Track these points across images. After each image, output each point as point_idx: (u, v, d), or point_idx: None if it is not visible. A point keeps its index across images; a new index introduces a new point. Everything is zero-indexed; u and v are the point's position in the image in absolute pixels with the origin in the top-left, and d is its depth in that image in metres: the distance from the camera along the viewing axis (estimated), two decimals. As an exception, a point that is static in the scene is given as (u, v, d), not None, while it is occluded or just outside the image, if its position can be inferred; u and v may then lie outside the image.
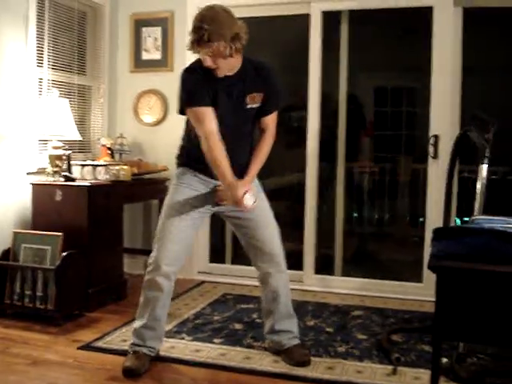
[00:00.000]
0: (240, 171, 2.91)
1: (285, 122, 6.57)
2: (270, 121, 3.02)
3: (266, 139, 3.02)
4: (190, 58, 4.84)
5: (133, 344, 3.05)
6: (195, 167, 2.99)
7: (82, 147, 4.87)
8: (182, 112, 2.95)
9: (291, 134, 5.89)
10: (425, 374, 2.88)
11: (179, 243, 2.98)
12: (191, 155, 3.00)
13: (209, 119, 2.80)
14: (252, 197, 2.81)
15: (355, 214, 7.02)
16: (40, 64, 4.28)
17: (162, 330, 3.09)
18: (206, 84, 2.82)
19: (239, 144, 2.97)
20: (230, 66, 2.81)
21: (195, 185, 3.00)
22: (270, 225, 3.11)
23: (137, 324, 3.06)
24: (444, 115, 4.30)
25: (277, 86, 3.00)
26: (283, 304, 3.15)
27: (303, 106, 4.83)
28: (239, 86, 2.88)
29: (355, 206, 6.99)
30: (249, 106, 2.92)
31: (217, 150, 2.80)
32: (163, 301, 3.01)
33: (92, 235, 3.92)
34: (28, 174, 4.16)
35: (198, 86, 2.82)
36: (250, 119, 2.98)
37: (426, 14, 4.31)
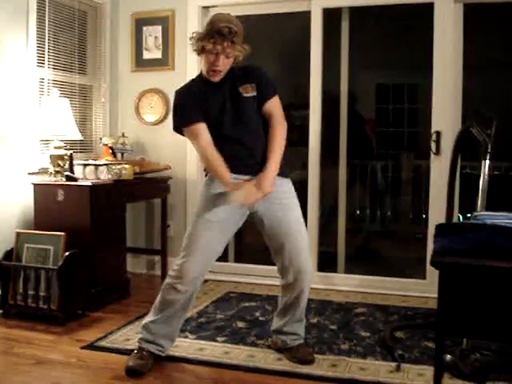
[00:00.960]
0: (258, 166, 2.90)
1: (286, 119, 6.58)
2: (272, 107, 2.96)
3: (274, 127, 2.95)
4: (191, 56, 4.88)
5: (141, 339, 3.04)
6: None
7: (84, 147, 4.87)
8: (176, 130, 3.00)
9: (292, 133, 5.89)
10: (428, 371, 2.88)
11: (206, 253, 2.96)
12: None
13: (203, 136, 2.89)
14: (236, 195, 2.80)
15: (358, 212, 7.03)
16: (41, 64, 4.29)
17: (175, 328, 3.09)
18: (198, 98, 2.90)
19: (250, 138, 2.92)
20: (226, 69, 2.89)
21: (222, 191, 2.95)
22: (300, 235, 3.03)
23: (148, 319, 3.05)
24: (446, 111, 4.29)
25: (265, 74, 3.01)
26: (300, 311, 3.14)
27: (304, 105, 4.83)
28: (229, 82, 2.92)
29: (358, 203, 7.00)
30: (245, 95, 2.92)
31: (212, 157, 2.88)
32: (183, 302, 3.00)
33: (94, 235, 3.92)
34: (30, 174, 4.16)
35: (188, 106, 2.91)
36: (252, 110, 2.95)
37: (426, 10, 4.30)
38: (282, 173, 2.97)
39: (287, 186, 3.05)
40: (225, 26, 2.74)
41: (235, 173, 2.91)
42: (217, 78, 2.88)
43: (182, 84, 3.07)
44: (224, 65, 2.83)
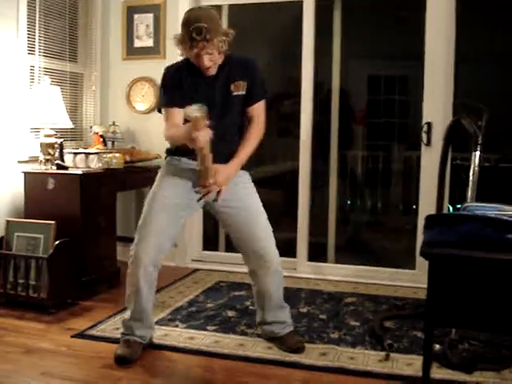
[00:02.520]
0: (227, 160, 2.90)
1: (277, 109, 6.58)
2: (256, 111, 2.99)
3: (252, 129, 2.99)
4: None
5: (123, 333, 3.06)
6: (179, 153, 2.97)
7: (75, 135, 4.85)
8: (159, 111, 3.03)
9: (283, 122, 5.88)
10: (417, 360, 2.89)
11: (160, 236, 2.92)
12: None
13: (174, 118, 2.90)
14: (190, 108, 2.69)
15: (348, 202, 7.04)
16: (31, 51, 4.26)
17: (149, 320, 3.07)
18: (186, 83, 2.90)
19: (227, 135, 2.94)
20: (218, 62, 2.88)
21: (181, 175, 2.96)
22: (260, 221, 3.05)
23: (126, 315, 3.06)
24: (437, 103, 4.30)
25: (260, 75, 3.02)
26: (274, 298, 3.13)
27: (295, 94, 4.83)
28: (222, 76, 2.91)
29: (348, 193, 7.01)
30: (234, 93, 2.94)
31: (174, 129, 2.86)
32: (145, 293, 2.96)
33: (85, 223, 3.91)
34: (20, 162, 4.14)
35: (175, 88, 2.91)
36: (238, 108, 2.97)
37: (418, 1, 4.30)
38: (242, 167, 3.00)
39: (245, 177, 3.07)
40: (195, 27, 2.69)
41: (191, 158, 2.90)
42: (211, 72, 2.87)
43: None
44: (211, 60, 2.81)
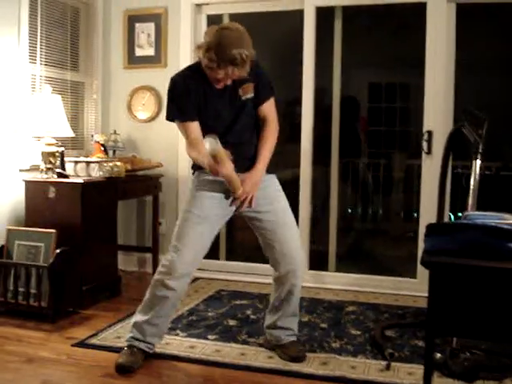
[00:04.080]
0: (248, 166, 2.92)
1: (286, 116, 6.60)
2: (267, 109, 3.00)
3: (266, 130, 2.99)
4: (184, 54, 4.88)
5: (132, 338, 3.04)
6: None
7: (76, 144, 4.86)
8: (169, 120, 2.99)
9: (290, 129, 5.88)
10: (418, 370, 2.89)
11: (196, 248, 2.96)
12: None
13: (193, 133, 2.90)
14: (207, 140, 2.73)
15: (350, 210, 7.04)
16: (33, 60, 4.27)
17: (165, 327, 3.09)
18: (194, 93, 2.88)
19: (243, 139, 2.95)
20: None
21: (212, 187, 2.97)
22: (288, 226, 3.06)
23: (139, 318, 3.04)
24: (438, 111, 4.31)
25: (264, 75, 3.02)
26: (293, 304, 3.14)
27: (295, 102, 4.84)
28: (229, 83, 2.89)
29: (350, 201, 7.01)
30: (244, 98, 2.94)
31: (199, 149, 2.86)
32: (174, 301, 2.99)
33: (86, 232, 3.91)
34: (21, 170, 4.14)
35: (185, 99, 2.88)
36: (249, 112, 2.97)
37: (419, 9, 4.31)
38: (267, 170, 3.01)
39: (272, 181, 3.08)
40: (237, 53, 2.66)
41: None
42: (220, 87, 2.87)
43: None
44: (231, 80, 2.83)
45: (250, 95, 2.95)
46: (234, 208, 2.97)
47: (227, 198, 2.93)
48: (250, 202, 2.89)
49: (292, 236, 3.07)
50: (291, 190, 5.34)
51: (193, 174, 3.11)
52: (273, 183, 3.09)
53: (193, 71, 2.94)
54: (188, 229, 2.95)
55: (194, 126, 2.90)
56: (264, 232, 3.06)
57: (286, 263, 3.04)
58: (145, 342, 3.01)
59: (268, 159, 2.99)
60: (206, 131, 2.88)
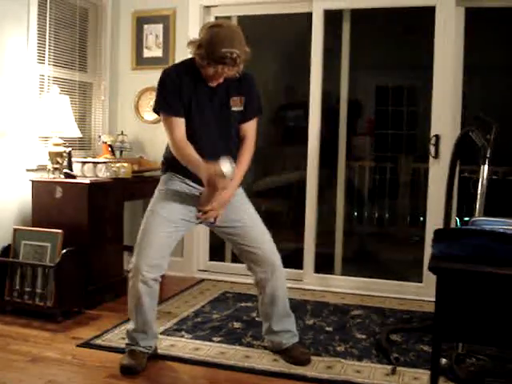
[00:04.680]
0: None
1: (282, 120, 6.61)
2: (250, 128, 3.01)
3: (244, 148, 2.99)
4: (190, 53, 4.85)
5: (127, 344, 3.05)
6: (183, 172, 2.93)
7: (83, 144, 4.87)
8: (156, 111, 2.98)
9: (289, 133, 5.89)
10: (424, 375, 2.89)
11: (161, 250, 2.93)
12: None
13: (179, 129, 2.87)
14: (227, 163, 2.67)
15: (355, 213, 7.03)
16: (41, 60, 4.28)
17: (153, 331, 3.06)
18: (186, 88, 2.86)
19: (221, 147, 2.90)
20: None
21: (181, 191, 2.97)
22: (258, 230, 3.07)
23: (129, 327, 3.05)
24: (445, 115, 4.30)
25: (257, 93, 3.02)
26: (281, 306, 3.13)
27: (300, 105, 4.82)
28: (222, 89, 2.90)
29: (356, 205, 7.00)
30: (233, 109, 2.94)
31: (186, 149, 2.84)
32: (148, 306, 2.96)
33: (92, 232, 3.92)
34: (28, 170, 4.15)
35: (175, 94, 2.85)
36: (234, 123, 2.98)
37: (427, 13, 4.30)
38: None
39: (239, 191, 3.07)
40: (227, 52, 2.64)
41: (196, 182, 2.91)
42: (214, 85, 2.86)
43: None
44: (223, 78, 2.82)
45: (239, 108, 2.95)
46: (198, 220, 2.97)
47: (193, 206, 2.92)
48: (215, 219, 2.90)
49: (262, 238, 3.07)
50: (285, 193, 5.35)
51: (163, 171, 3.07)
52: (239, 193, 3.08)
53: (187, 66, 2.91)
54: (153, 232, 2.92)
55: (180, 123, 2.87)
56: (233, 238, 3.07)
57: (262, 266, 3.04)
58: (140, 346, 3.02)
59: (241, 178, 2.99)
60: (190, 133, 2.87)
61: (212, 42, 2.68)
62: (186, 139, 2.86)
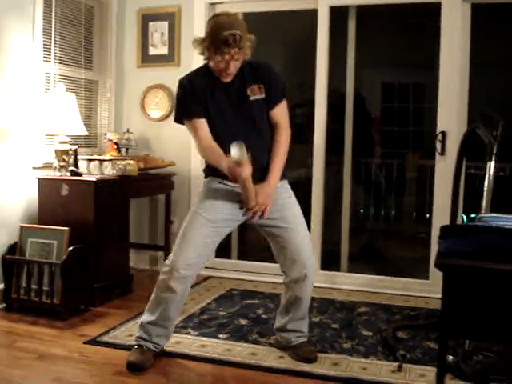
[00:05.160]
0: (260, 175, 2.87)
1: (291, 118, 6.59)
2: (278, 114, 2.97)
3: (279, 136, 2.95)
4: (197, 53, 4.86)
5: (139, 337, 3.04)
6: (222, 174, 2.88)
7: (89, 142, 4.87)
8: (177, 121, 3.00)
9: (295, 130, 5.86)
10: (430, 372, 2.88)
11: (199, 249, 2.92)
12: None
13: (203, 130, 2.88)
14: (235, 148, 2.65)
15: (362, 210, 7.02)
16: (47, 58, 4.29)
17: (171, 328, 3.08)
18: (200, 93, 2.87)
19: (254, 142, 2.84)
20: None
21: (223, 193, 2.95)
22: (300, 232, 3.04)
23: (145, 318, 3.04)
24: (451, 111, 4.28)
25: (276, 76, 2.99)
26: (302, 309, 3.14)
27: (307, 103, 4.81)
28: (237, 82, 2.89)
29: (362, 201, 6.99)
30: (252, 98, 2.90)
31: (214, 149, 2.85)
32: (176, 303, 2.98)
33: (98, 230, 3.92)
34: (34, 168, 4.16)
35: (192, 99, 2.88)
36: (259, 113, 2.94)
37: (433, 9, 4.29)
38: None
39: (283, 187, 3.04)
40: (229, 34, 2.66)
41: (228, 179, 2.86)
42: (229, 79, 2.86)
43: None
44: (235, 67, 2.81)
45: (260, 96, 2.92)
46: (244, 218, 2.95)
47: (240, 207, 2.90)
48: (263, 213, 2.87)
49: (303, 242, 3.04)
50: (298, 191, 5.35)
51: (205, 177, 3.08)
52: (283, 190, 3.04)
53: (200, 71, 2.95)
54: (194, 230, 2.92)
55: (202, 124, 2.88)
56: (275, 238, 3.05)
57: (296, 270, 3.03)
58: (151, 342, 3.02)
59: (281, 169, 2.95)
60: (213, 132, 2.88)
61: (213, 29, 2.73)
62: (210, 139, 2.87)
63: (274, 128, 2.97)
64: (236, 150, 2.65)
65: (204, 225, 2.92)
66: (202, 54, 2.82)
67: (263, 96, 2.92)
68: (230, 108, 2.90)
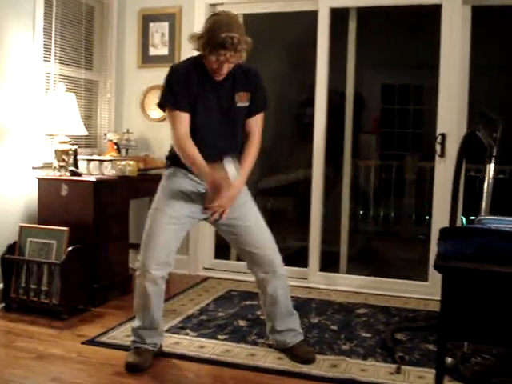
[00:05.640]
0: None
1: (297, 117, 6.61)
2: (255, 123, 3.00)
3: (250, 144, 2.99)
4: (197, 54, 4.86)
5: (133, 341, 3.05)
6: (187, 167, 2.92)
7: (89, 142, 4.87)
8: (160, 106, 2.97)
9: (301, 130, 5.88)
10: (429, 374, 2.88)
11: (168, 247, 2.93)
12: None
13: (183, 125, 2.87)
14: (231, 165, 2.75)
15: (361, 212, 7.03)
16: (47, 58, 4.29)
17: (160, 328, 3.08)
18: (193, 84, 2.86)
19: (225, 143, 2.93)
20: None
21: (185, 187, 2.96)
22: (261, 229, 3.07)
23: (135, 324, 3.05)
24: (451, 113, 4.29)
25: (262, 88, 3.02)
26: (283, 306, 3.13)
27: (308, 103, 4.82)
28: (228, 85, 2.90)
29: (361, 203, 7.00)
30: (238, 105, 2.93)
31: (189, 149, 2.84)
32: (155, 304, 2.97)
33: (98, 230, 3.92)
34: (34, 168, 4.16)
35: (181, 89, 2.85)
36: (240, 119, 2.97)
37: (434, 11, 4.29)
38: None
39: (244, 191, 3.05)
40: (226, 36, 2.66)
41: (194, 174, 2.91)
42: (220, 78, 2.86)
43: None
44: (228, 69, 2.81)
45: (245, 104, 2.95)
46: (204, 216, 2.97)
47: (198, 202, 2.92)
48: (221, 215, 2.88)
49: (265, 238, 3.06)
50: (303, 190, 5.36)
51: (168, 166, 3.07)
52: (244, 191, 3.05)
53: (194, 62, 2.91)
54: (160, 229, 2.92)
55: (184, 118, 2.86)
56: (236, 237, 3.07)
57: (263, 266, 3.04)
58: (146, 343, 3.02)
59: (247, 175, 2.98)
60: (193, 130, 2.87)
61: (211, 28, 2.72)
62: (188, 136, 2.86)
63: (247, 136, 3.00)
64: (232, 169, 2.74)
65: (169, 223, 2.92)
66: (197, 50, 2.82)
67: (247, 104, 2.96)
68: (218, 111, 2.91)
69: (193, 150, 2.83)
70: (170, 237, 2.93)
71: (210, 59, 2.76)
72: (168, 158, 3.09)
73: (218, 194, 2.75)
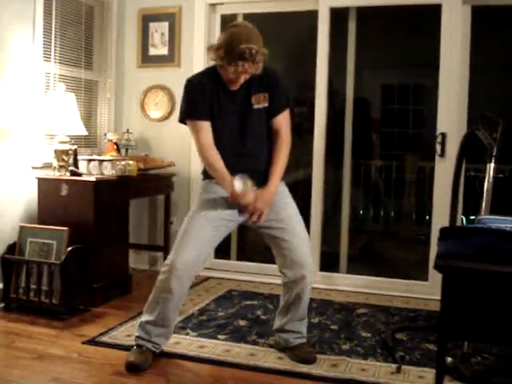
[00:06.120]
0: (260, 179, 2.90)
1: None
2: (280, 122, 2.98)
3: (279, 143, 2.97)
4: (197, 54, 4.89)
5: (138, 337, 3.03)
6: None
7: (89, 142, 4.87)
8: (181, 121, 3.00)
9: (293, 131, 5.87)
10: (429, 373, 2.88)
11: (199, 249, 2.93)
12: None
13: (204, 133, 2.89)
14: (240, 181, 2.77)
15: (361, 212, 7.03)
16: (47, 58, 4.29)
17: (171, 328, 3.07)
18: (209, 95, 2.88)
19: (255, 151, 2.94)
20: None
21: (220, 194, 2.95)
22: (296, 232, 3.05)
23: (144, 318, 3.03)
24: (451, 113, 4.28)
25: (282, 85, 3.01)
26: (301, 310, 3.13)
27: (304, 102, 4.82)
28: (243, 89, 2.90)
29: (361, 203, 7.00)
30: (255, 107, 2.93)
31: (212, 158, 2.88)
32: (175, 303, 2.97)
33: (98, 230, 3.92)
34: (34, 168, 4.16)
35: (199, 100, 2.88)
36: (260, 121, 2.96)
37: (433, 11, 4.29)
38: None
39: (280, 189, 3.04)
40: (246, 48, 2.67)
41: None
42: (236, 88, 2.87)
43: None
44: (245, 79, 2.83)
45: (263, 105, 2.94)
46: (241, 219, 2.98)
47: (237, 208, 2.91)
48: (259, 217, 2.89)
49: (301, 243, 3.05)
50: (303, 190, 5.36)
51: (203, 179, 3.10)
52: (281, 191, 3.05)
53: (209, 74, 2.95)
54: (194, 230, 2.93)
55: (206, 127, 2.89)
56: (273, 240, 3.06)
57: (295, 270, 3.03)
58: (151, 341, 3.01)
59: (281, 176, 2.98)
60: (216, 138, 2.89)
61: (230, 40, 2.72)
62: (211, 146, 2.89)
63: (275, 135, 2.99)
64: (240, 184, 2.75)
65: (204, 225, 2.93)
66: (215, 60, 2.82)
67: (266, 105, 2.95)
68: (235, 115, 2.92)
69: (216, 158, 2.87)
70: (203, 238, 2.93)
71: (227, 70, 2.77)
72: (203, 172, 3.11)
73: (238, 205, 2.83)
